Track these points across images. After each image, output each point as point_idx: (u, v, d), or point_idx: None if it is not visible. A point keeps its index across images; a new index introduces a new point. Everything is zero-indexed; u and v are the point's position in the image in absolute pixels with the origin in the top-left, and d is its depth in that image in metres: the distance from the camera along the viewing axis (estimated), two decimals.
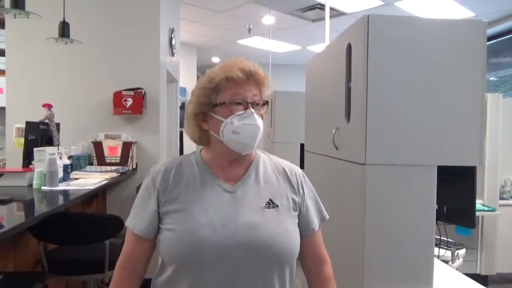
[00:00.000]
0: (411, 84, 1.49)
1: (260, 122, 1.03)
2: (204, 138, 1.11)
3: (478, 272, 3.61)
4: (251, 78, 1.04)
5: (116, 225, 2.03)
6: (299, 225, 1.10)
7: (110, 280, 1.12)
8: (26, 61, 3.32)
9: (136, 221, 1.06)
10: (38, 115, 2.75)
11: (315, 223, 1.13)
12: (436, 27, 1.51)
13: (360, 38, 1.50)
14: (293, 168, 1.16)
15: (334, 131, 1.80)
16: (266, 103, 1.08)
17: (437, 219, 1.59)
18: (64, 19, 2.83)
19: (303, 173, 1.18)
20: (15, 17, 2.21)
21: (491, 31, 5.37)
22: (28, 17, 2.20)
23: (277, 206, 1.05)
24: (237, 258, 0.97)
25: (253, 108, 1.03)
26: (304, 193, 1.12)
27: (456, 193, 1.89)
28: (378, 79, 1.48)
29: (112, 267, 2.05)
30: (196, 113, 1.08)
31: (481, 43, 1.51)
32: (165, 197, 1.04)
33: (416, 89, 1.50)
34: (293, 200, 1.09)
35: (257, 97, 1.06)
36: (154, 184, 1.06)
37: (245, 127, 1.01)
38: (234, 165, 1.09)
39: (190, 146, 7.47)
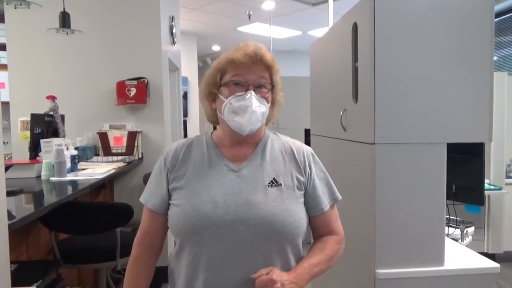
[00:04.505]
0: (419, 61, 1.48)
1: (256, 104, 1.04)
2: (215, 118, 1.16)
3: (485, 251, 3.63)
4: (257, 61, 1.06)
5: (126, 213, 2.04)
6: (307, 204, 1.11)
7: (122, 268, 1.15)
8: (28, 54, 3.30)
9: (148, 196, 1.12)
10: (43, 108, 2.75)
11: (325, 203, 1.13)
12: (444, 3, 1.49)
13: (366, 16, 1.49)
14: (302, 147, 1.16)
15: (341, 113, 1.80)
16: (273, 86, 1.09)
17: (446, 197, 1.59)
18: (64, 9, 2.81)
19: (313, 152, 1.18)
20: (15, 8, 2.19)
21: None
22: (28, 7, 2.18)
23: (280, 185, 1.07)
24: (237, 234, 1.01)
25: (254, 90, 1.05)
26: (311, 173, 1.12)
27: (464, 171, 1.89)
28: (386, 58, 1.47)
29: (123, 255, 2.08)
30: (206, 93, 1.13)
31: (488, 18, 1.50)
32: (174, 175, 1.09)
33: (424, 66, 1.48)
34: (298, 180, 1.10)
35: (263, 80, 1.07)
36: (165, 163, 1.12)
37: (242, 107, 1.04)
38: (241, 145, 1.11)
39: (194, 134, 7.47)
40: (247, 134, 1.07)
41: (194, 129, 7.38)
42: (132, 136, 3.14)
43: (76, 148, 2.84)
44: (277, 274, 0.98)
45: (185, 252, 1.06)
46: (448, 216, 2.14)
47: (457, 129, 1.50)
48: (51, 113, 2.74)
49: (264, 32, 6.73)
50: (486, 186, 3.53)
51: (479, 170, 1.88)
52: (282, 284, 0.96)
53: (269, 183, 1.06)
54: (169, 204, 1.09)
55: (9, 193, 1.57)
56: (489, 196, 3.61)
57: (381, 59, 1.47)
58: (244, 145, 1.12)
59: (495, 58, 5.73)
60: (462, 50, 1.49)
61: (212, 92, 1.11)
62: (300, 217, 1.07)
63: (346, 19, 1.76)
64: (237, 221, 1.01)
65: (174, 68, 4.21)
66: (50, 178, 2.23)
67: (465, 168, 1.89)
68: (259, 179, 1.07)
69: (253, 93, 1.05)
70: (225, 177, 1.07)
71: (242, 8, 5.64)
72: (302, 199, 1.10)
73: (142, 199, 1.14)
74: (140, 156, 3.26)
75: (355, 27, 1.64)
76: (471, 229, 2.21)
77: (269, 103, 1.09)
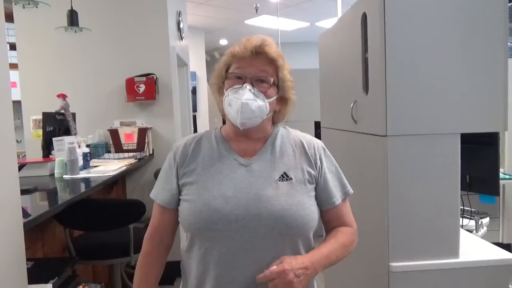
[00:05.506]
0: (430, 50, 1.45)
1: (247, 96, 1.02)
2: (223, 111, 1.15)
3: (500, 241, 3.58)
4: (258, 54, 1.05)
5: (139, 210, 2.06)
6: (318, 198, 1.10)
7: (136, 264, 1.16)
8: (38, 53, 3.32)
9: (158, 192, 1.12)
10: (54, 106, 2.77)
11: (336, 197, 1.12)
12: None
13: (375, 5, 1.46)
14: (312, 141, 1.15)
15: (352, 105, 1.78)
16: (274, 83, 1.07)
17: (460, 188, 1.57)
18: (71, 7, 2.82)
19: (324, 146, 1.17)
20: (23, 8, 2.20)
21: None
22: (37, 7, 2.19)
23: (290, 179, 1.06)
24: (248, 229, 1.00)
25: (252, 84, 1.04)
26: (322, 166, 1.11)
27: (479, 161, 1.86)
28: (396, 47, 1.44)
29: (136, 250, 2.11)
30: (216, 87, 1.13)
31: (502, 3, 1.46)
32: (183, 170, 1.09)
33: (436, 55, 1.45)
34: (309, 173, 1.09)
35: (264, 73, 1.05)
36: (175, 158, 1.11)
37: (234, 100, 1.04)
38: (250, 140, 1.11)
39: (203, 129, 7.50)
40: (245, 129, 1.06)
41: (203, 124, 7.40)
42: (142, 132, 3.15)
43: (87, 146, 2.86)
44: (288, 263, 0.96)
45: (196, 247, 1.06)
46: (462, 207, 2.11)
47: (471, 118, 1.47)
48: (62, 111, 2.76)
49: (271, 25, 6.68)
50: (501, 175, 3.47)
51: (494, 160, 1.85)
52: (297, 276, 0.95)
53: (279, 177, 1.05)
54: (180, 199, 1.09)
55: (24, 192, 1.58)
56: (503, 185, 3.55)
57: (392, 49, 1.44)
58: (253, 140, 1.11)
59: (509, 44, 5.62)
60: (475, 37, 1.46)
61: (221, 85, 1.12)
62: (311, 210, 1.06)
63: (355, 9, 1.74)
64: (248, 216, 1.00)
65: (182, 64, 4.21)
66: (63, 176, 2.26)
67: (479, 158, 1.86)
68: (270, 174, 1.06)
69: (248, 86, 1.04)
70: (235, 171, 1.06)
71: (249, 1, 5.61)
72: (313, 193, 1.09)
73: (152, 194, 1.14)
74: (151, 152, 3.28)
75: (364, 17, 1.61)
76: (485, 220, 2.18)
77: (270, 98, 1.06)
